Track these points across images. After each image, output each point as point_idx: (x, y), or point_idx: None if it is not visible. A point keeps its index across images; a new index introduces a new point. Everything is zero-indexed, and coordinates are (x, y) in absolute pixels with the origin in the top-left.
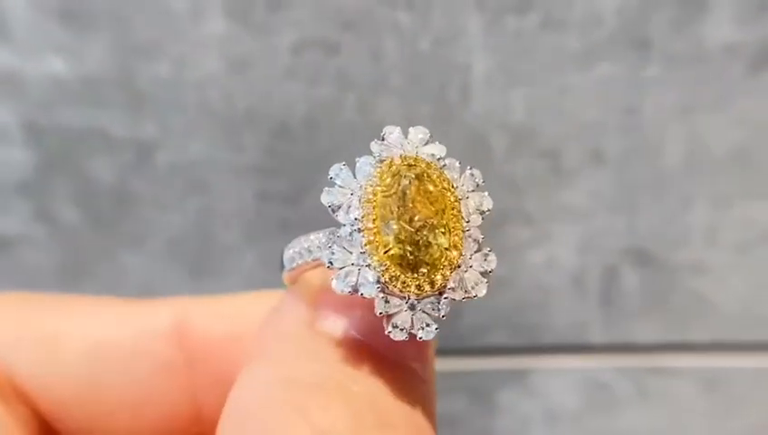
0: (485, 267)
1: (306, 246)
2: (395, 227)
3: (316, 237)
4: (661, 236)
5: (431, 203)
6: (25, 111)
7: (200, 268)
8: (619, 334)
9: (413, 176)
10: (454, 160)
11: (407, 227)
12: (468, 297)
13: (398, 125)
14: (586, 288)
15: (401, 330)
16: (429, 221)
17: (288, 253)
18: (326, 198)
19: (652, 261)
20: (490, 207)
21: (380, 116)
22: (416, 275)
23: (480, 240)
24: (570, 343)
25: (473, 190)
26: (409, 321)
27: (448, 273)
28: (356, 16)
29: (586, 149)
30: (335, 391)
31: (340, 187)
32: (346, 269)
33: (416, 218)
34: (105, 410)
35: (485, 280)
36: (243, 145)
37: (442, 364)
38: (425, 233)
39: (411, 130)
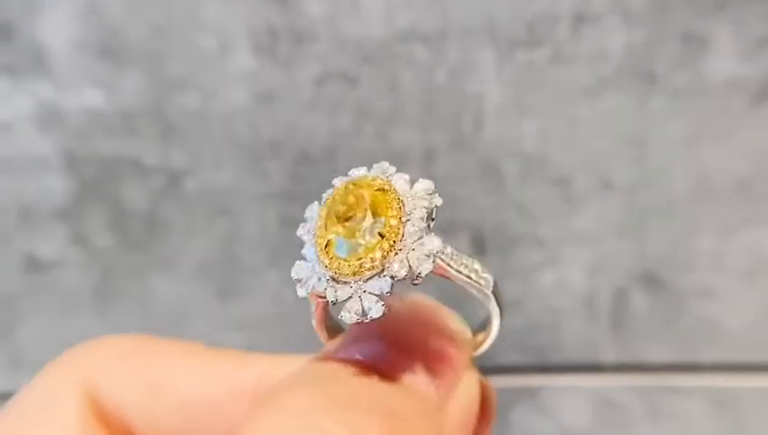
0: (429, 249)
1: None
2: (333, 225)
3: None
4: (669, 260)
5: (371, 202)
6: (64, 142)
7: (227, 290)
8: (629, 355)
9: (352, 184)
10: (404, 176)
11: (340, 222)
12: (414, 275)
13: (415, 153)
14: (596, 310)
15: (352, 312)
16: (366, 213)
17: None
18: (299, 230)
19: (661, 284)
20: (438, 204)
21: (398, 144)
22: (353, 261)
23: (424, 229)
24: (581, 363)
25: (424, 196)
26: (358, 302)
27: (387, 254)
28: (375, 51)
29: (595, 177)
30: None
31: (308, 219)
32: (306, 275)
33: (353, 213)
34: None
35: (430, 260)
36: (267, 172)
37: None
38: (356, 224)
39: (375, 165)
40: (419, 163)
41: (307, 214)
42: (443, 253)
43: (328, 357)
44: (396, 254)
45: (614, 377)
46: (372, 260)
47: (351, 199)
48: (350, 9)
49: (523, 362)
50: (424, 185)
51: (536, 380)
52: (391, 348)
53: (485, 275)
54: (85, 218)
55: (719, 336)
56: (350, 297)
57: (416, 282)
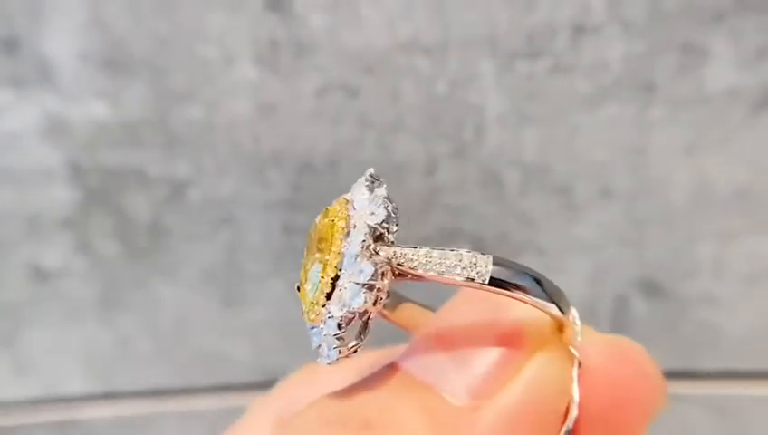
0: (363, 280)
1: None
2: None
3: None
4: (670, 267)
5: (320, 239)
6: (70, 153)
7: (231, 298)
8: None
9: (315, 221)
10: (363, 186)
11: (308, 254)
12: (348, 312)
13: (416, 163)
14: (597, 317)
15: (322, 357)
16: (317, 255)
17: None
18: None
19: (661, 292)
20: (378, 221)
21: (399, 154)
22: (312, 305)
23: (359, 254)
24: None
25: (369, 210)
26: (322, 347)
27: (327, 293)
28: (376, 62)
29: (595, 186)
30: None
31: None
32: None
33: (312, 246)
34: None
35: (363, 290)
36: (270, 182)
37: None
38: (307, 267)
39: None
40: (421, 173)
41: None
42: (403, 261)
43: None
44: (339, 291)
45: None
46: (315, 306)
47: (315, 238)
48: (352, 20)
49: None
50: (376, 193)
51: None
52: (433, 350)
53: (479, 263)
54: (90, 228)
55: (719, 343)
56: (320, 345)
57: (366, 314)
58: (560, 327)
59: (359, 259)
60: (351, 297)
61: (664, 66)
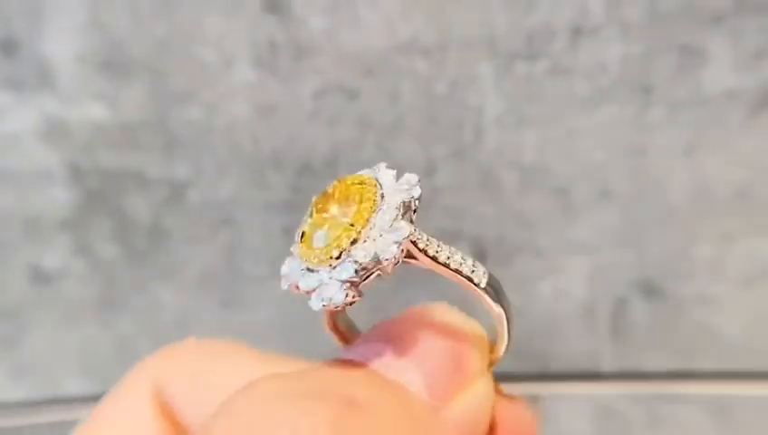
0: (397, 235)
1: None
2: (311, 215)
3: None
4: (668, 269)
5: (345, 197)
6: (69, 154)
7: (230, 300)
8: (628, 363)
9: (336, 182)
10: (392, 170)
11: (317, 214)
12: (378, 261)
13: (416, 164)
14: (596, 318)
15: (316, 298)
16: (339, 205)
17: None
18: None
19: (660, 293)
20: (416, 195)
21: (398, 155)
22: (320, 250)
23: (396, 218)
24: (580, 371)
25: (404, 187)
26: (324, 290)
27: (354, 242)
28: (375, 63)
29: (594, 187)
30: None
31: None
32: (288, 271)
33: (327, 206)
34: None
35: (396, 247)
36: (269, 183)
37: None
38: (325, 216)
39: (374, 166)
40: (420, 174)
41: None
42: (419, 240)
43: (330, 361)
44: (364, 241)
45: (613, 385)
46: (338, 248)
47: (329, 191)
48: (351, 22)
49: (522, 369)
50: (407, 178)
51: (536, 387)
52: (390, 349)
53: (478, 269)
54: (89, 230)
55: (718, 344)
56: (318, 286)
57: (382, 269)
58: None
59: (396, 219)
60: (383, 249)
61: (662, 67)
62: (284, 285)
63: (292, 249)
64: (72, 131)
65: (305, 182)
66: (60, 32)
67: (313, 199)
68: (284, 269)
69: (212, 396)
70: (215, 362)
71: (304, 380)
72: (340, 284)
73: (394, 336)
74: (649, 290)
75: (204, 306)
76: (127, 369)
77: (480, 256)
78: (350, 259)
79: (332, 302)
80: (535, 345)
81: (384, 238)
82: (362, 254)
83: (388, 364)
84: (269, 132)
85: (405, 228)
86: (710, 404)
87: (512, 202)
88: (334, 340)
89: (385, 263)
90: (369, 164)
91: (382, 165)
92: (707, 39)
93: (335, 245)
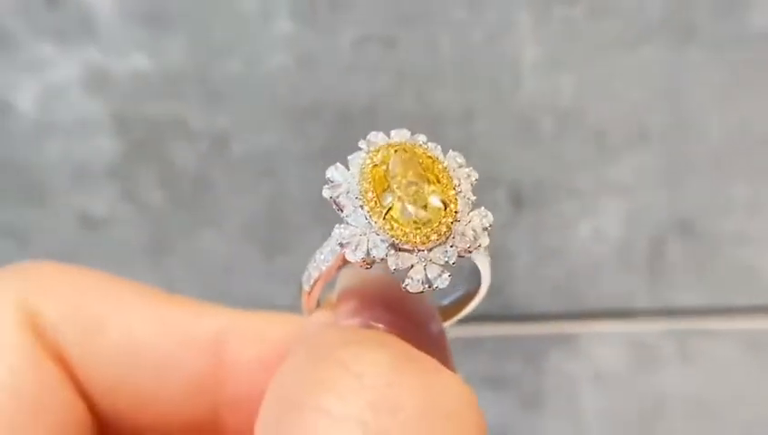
0: (485, 222)
1: (316, 259)
2: (391, 190)
3: (322, 249)
4: (705, 208)
5: (421, 169)
6: (114, 104)
7: (273, 247)
8: (664, 300)
9: (402, 149)
10: (436, 144)
11: (402, 187)
12: (474, 247)
13: (453, 112)
14: (632, 258)
15: (417, 281)
16: (422, 179)
17: (303, 276)
18: (327, 193)
19: (696, 232)
20: (476, 177)
21: (436, 104)
22: (419, 228)
23: (472, 201)
24: (616, 309)
25: (459, 167)
26: (422, 272)
27: (450, 222)
28: (412, 13)
29: (631, 128)
30: (366, 343)
31: (339, 182)
32: (356, 240)
33: (409, 179)
34: (133, 407)
35: (486, 233)
36: (309, 134)
37: (496, 330)
38: (420, 190)
39: (393, 132)
40: (458, 122)
41: (333, 176)
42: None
43: (334, 324)
44: (459, 224)
45: (649, 322)
46: (439, 229)
47: (414, 165)
48: None
49: (560, 309)
50: (455, 157)
51: (573, 326)
52: (398, 318)
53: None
54: (135, 177)
55: (753, 280)
56: (413, 266)
57: (471, 253)
58: None
59: (477, 206)
60: (477, 237)
61: (703, 7)
62: (355, 257)
63: (348, 217)
64: (116, 81)
65: (344, 132)
66: None
67: (367, 165)
68: (347, 238)
69: (99, 335)
70: (98, 292)
71: (360, 332)
72: (440, 268)
73: (378, 301)
74: (686, 229)
75: (247, 253)
76: None
77: (517, 200)
78: (450, 244)
79: (435, 285)
80: (574, 286)
81: (475, 223)
82: (461, 239)
83: (409, 336)
84: (308, 83)
85: (490, 216)
86: (744, 339)
87: (549, 146)
88: (307, 306)
89: (477, 247)
90: (408, 113)
91: (416, 135)
92: None
93: (435, 225)
